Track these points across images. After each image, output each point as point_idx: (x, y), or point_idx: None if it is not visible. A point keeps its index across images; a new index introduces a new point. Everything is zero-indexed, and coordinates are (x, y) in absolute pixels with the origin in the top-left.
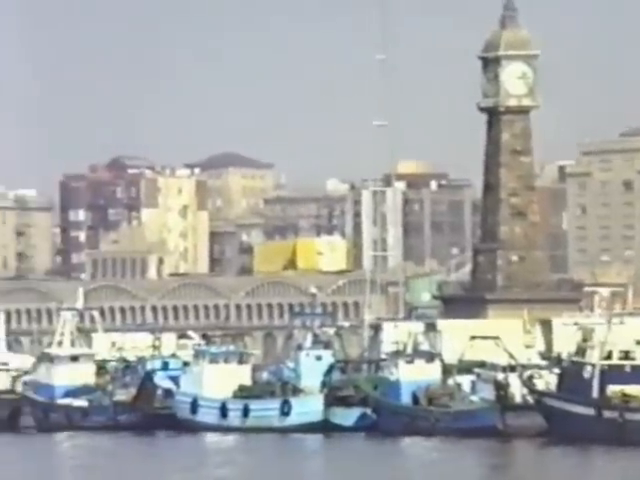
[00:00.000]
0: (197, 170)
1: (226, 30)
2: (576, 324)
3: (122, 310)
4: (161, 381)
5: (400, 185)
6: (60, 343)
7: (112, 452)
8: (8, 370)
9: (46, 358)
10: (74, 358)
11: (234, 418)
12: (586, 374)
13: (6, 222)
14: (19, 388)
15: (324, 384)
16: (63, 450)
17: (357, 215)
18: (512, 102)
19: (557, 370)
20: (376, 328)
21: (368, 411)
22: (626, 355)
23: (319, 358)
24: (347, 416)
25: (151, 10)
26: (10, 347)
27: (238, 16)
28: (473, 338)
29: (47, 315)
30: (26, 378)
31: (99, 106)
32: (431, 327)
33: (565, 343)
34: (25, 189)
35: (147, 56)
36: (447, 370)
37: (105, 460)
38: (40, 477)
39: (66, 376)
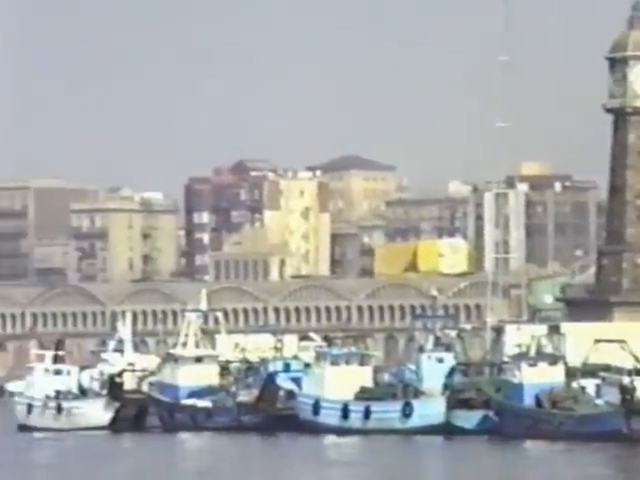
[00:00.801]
0: (319, 172)
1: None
2: None
3: (245, 312)
4: (283, 382)
5: (523, 187)
6: (184, 344)
7: (235, 453)
8: (134, 371)
9: (171, 359)
10: (198, 359)
11: (355, 420)
12: None
13: (132, 225)
14: (145, 388)
15: (446, 386)
16: (187, 450)
17: (479, 217)
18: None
19: None
20: (498, 331)
21: (490, 414)
22: None
23: (441, 360)
24: (469, 419)
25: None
26: (136, 348)
27: (342, 15)
28: (598, 341)
29: (172, 316)
30: (152, 379)
31: (223, 109)
32: (555, 330)
33: None
34: (151, 192)
35: (262, 59)
36: (571, 373)
37: (228, 461)
38: (164, 476)
39: (190, 377)
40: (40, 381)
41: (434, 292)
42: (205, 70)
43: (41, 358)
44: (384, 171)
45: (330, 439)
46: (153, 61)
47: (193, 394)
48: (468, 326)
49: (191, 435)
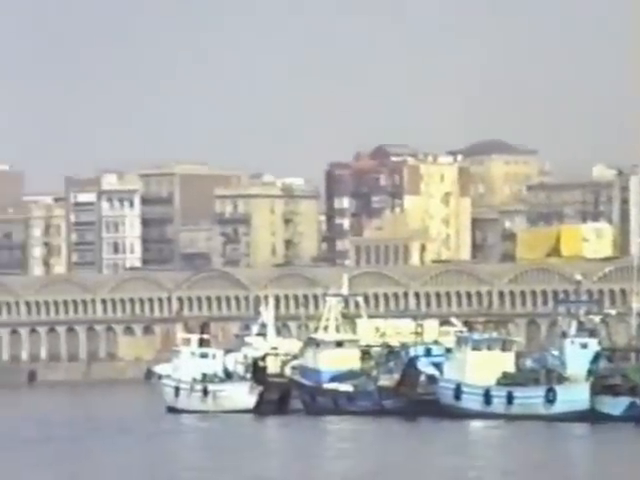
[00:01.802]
0: (459, 157)
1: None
2: None
3: (385, 296)
4: (424, 367)
5: None
6: (326, 328)
7: (377, 437)
8: (277, 354)
9: (312, 343)
10: (339, 343)
11: (498, 405)
12: None
13: (274, 210)
14: (288, 372)
15: (590, 372)
16: (329, 433)
17: (624, 201)
18: None
19: None
20: None
21: (638, 400)
22: None
23: (584, 346)
24: (615, 405)
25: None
26: (279, 332)
27: None
28: None
29: (313, 301)
30: (294, 362)
31: (364, 95)
32: None
33: None
34: (292, 178)
35: (400, 43)
36: None
37: (370, 444)
38: (307, 459)
39: (332, 361)
40: (187, 364)
41: (578, 277)
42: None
43: (187, 341)
44: (526, 155)
45: (472, 424)
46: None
47: (335, 378)
48: (613, 311)
49: (333, 418)
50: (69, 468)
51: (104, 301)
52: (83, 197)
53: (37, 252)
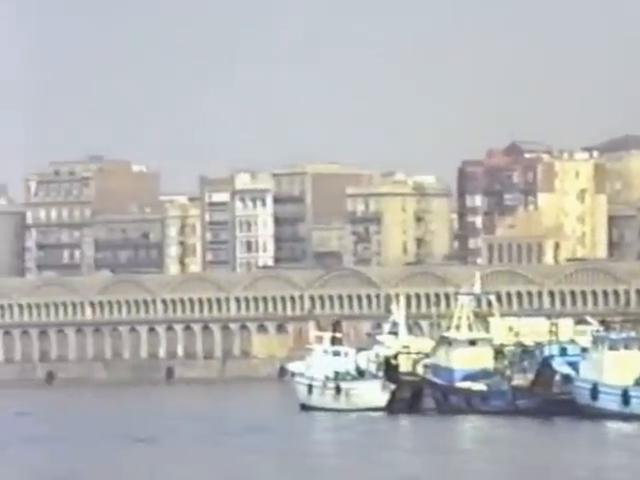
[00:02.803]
0: (596, 153)
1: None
2: None
3: (518, 295)
4: (559, 366)
5: None
6: (458, 327)
7: (512, 436)
8: (409, 353)
9: (445, 342)
10: (472, 342)
11: (637, 405)
12: None
13: (406, 208)
14: (420, 371)
15: None
16: (462, 432)
17: None
18: None
19: None
20: None
21: None
22: None
23: None
24: None
25: None
26: (410, 330)
27: None
28: None
29: (445, 299)
30: (426, 361)
31: (495, 91)
32: None
33: None
34: (424, 175)
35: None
36: None
37: (505, 444)
38: (442, 458)
39: (464, 360)
40: (319, 362)
41: None
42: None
43: (320, 340)
44: None
45: (610, 425)
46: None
47: (467, 377)
48: None
49: (466, 418)
50: (208, 465)
51: (238, 299)
52: (217, 197)
53: (173, 251)
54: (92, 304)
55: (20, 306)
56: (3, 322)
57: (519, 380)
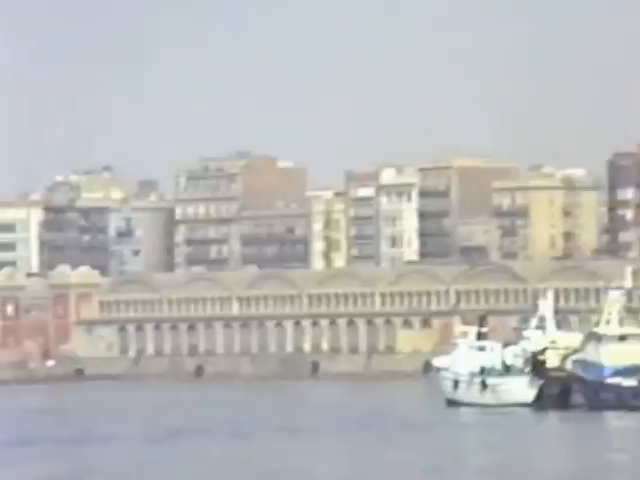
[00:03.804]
0: None
1: None
2: None
3: None
4: None
5: None
6: (608, 322)
7: None
8: (557, 348)
9: (594, 337)
10: (622, 338)
11: None
12: None
13: (554, 202)
14: (568, 366)
15: None
16: (613, 429)
17: None
18: None
19: None
20: None
21: None
22: None
23: None
24: None
25: None
26: (558, 325)
27: None
28: None
29: (594, 294)
30: (575, 356)
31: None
32: None
33: None
34: (573, 169)
35: None
36: None
37: None
38: (593, 455)
39: (615, 355)
40: (465, 357)
41: None
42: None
43: (465, 335)
44: None
45: None
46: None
47: (618, 373)
48: None
49: (617, 414)
50: (355, 459)
51: (383, 294)
52: (362, 192)
53: (318, 246)
54: (239, 299)
55: (169, 301)
56: (153, 316)
57: None
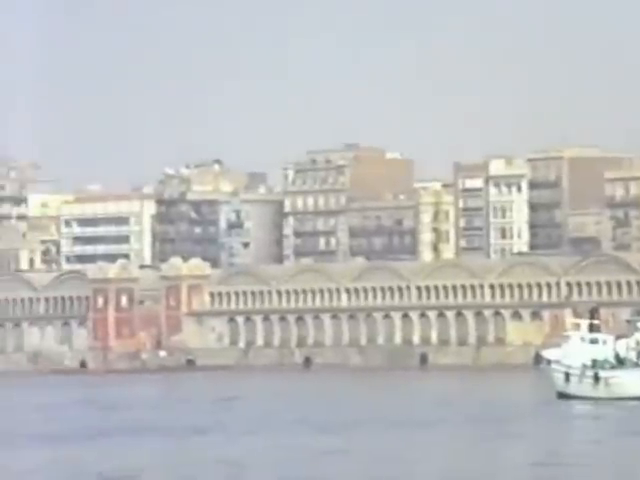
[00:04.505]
0: None
1: None
2: None
3: None
4: None
5: None
6: None
7: None
8: None
9: None
10: None
11: None
12: None
13: None
14: None
15: None
16: None
17: None
18: None
19: None
20: None
21: None
22: None
23: None
24: None
25: None
26: None
27: None
28: None
29: None
30: None
31: None
32: None
33: None
34: None
35: None
36: None
37: None
38: None
39: None
40: (576, 350)
41: None
42: None
43: (577, 327)
44: None
45: None
46: None
47: None
48: None
49: None
50: (467, 451)
51: (492, 286)
52: (471, 183)
53: (426, 238)
54: (347, 290)
55: (278, 292)
56: (262, 308)
57: None
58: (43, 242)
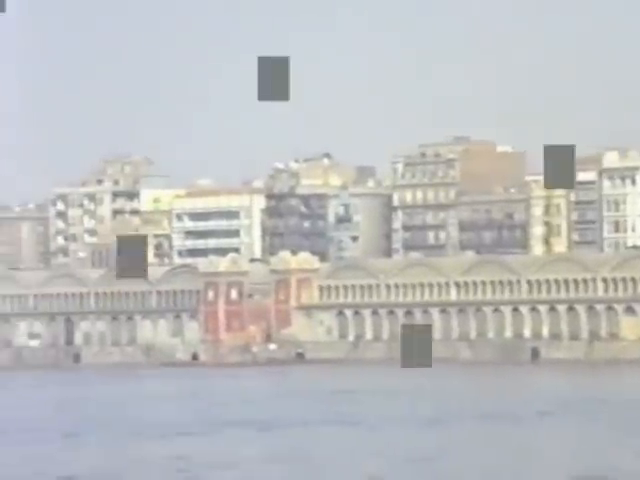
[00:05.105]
0: None
1: None
2: None
3: None
4: None
5: None
6: None
7: None
8: None
9: None
10: None
11: None
12: None
13: None
14: None
15: None
16: None
17: None
18: None
19: None
20: None
21: None
22: None
23: None
24: None
25: None
26: None
27: None
28: None
29: None
30: None
31: None
32: None
33: None
34: None
35: None
36: None
37: None
38: None
39: None
40: None
41: None
42: None
43: None
44: None
45: None
46: None
47: None
48: None
49: None
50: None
51: (605, 280)
52: (584, 176)
53: (537, 231)
54: (457, 284)
55: (387, 286)
56: (371, 301)
57: None
58: (155, 236)
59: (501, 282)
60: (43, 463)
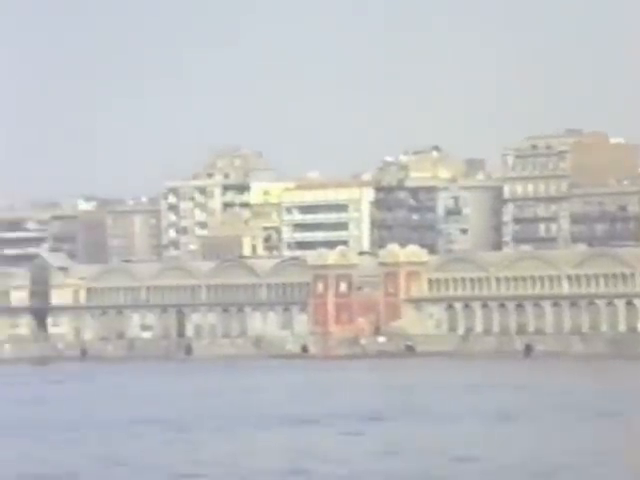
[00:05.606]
0: None
1: None
2: None
3: None
4: None
5: None
6: None
7: None
8: None
9: None
10: None
11: None
12: None
13: None
14: None
15: None
16: None
17: None
18: None
19: None
20: None
21: None
22: None
23: None
24: None
25: None
26: None
27: None
28: None
29: None
30: None
31: None
32: None
33: None
34: None
35: None
36: None
37: None
38: None
39: None
40: None
41: None
42: None
43: None
44: None
45: None
46: None
47: None
48: None
49: None
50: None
51: None
52: None
53: None
54: (569, 277)
55: (497, 279)
56: (481, 294)
57: None
58: (265, 229)
59: (614, 275)
60: None
